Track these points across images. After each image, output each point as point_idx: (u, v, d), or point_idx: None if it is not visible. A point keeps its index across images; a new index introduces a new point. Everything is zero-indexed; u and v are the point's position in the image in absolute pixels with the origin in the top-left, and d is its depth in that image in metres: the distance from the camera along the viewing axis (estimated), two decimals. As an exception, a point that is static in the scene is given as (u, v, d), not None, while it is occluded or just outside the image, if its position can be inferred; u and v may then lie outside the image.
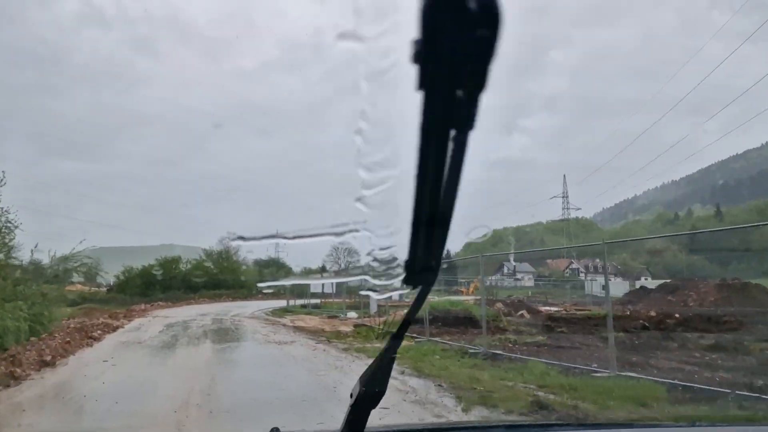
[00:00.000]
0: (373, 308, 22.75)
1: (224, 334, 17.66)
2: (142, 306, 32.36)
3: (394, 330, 1.24)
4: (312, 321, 23.24)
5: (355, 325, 19.03)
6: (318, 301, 32.48)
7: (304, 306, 31.80)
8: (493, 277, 55.01)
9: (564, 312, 21.54)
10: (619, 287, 34.87)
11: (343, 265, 60.75)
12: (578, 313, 20.02)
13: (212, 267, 48.88)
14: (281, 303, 34.14)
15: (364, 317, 22.19)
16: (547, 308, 25.94)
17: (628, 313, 18.46)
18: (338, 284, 31.90)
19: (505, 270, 66.81)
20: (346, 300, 29.32)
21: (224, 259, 50.27)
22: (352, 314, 24.85)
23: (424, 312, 15.52)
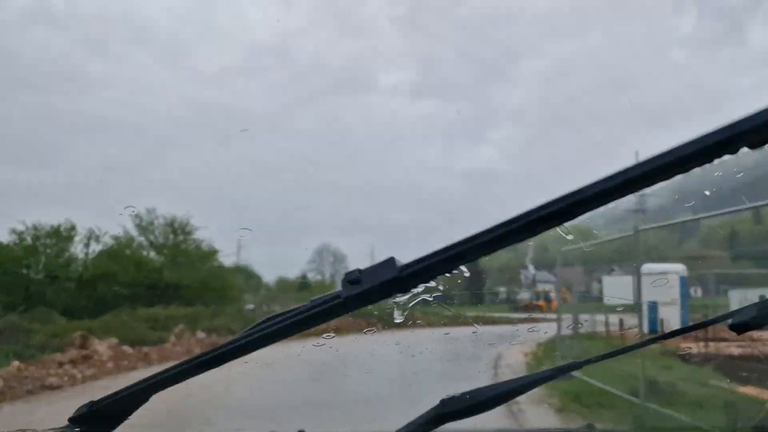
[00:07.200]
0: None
1: None
2: None
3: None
4: None
5: None
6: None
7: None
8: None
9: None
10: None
11: (329, 274, 49.36)
12: None
13: (157, 255, 24.75)
14: (442, 338, 4.85)
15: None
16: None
17: None
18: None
19: (523, 279, 43.31)
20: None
21: (183, 239, 24.94)
22: None
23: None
